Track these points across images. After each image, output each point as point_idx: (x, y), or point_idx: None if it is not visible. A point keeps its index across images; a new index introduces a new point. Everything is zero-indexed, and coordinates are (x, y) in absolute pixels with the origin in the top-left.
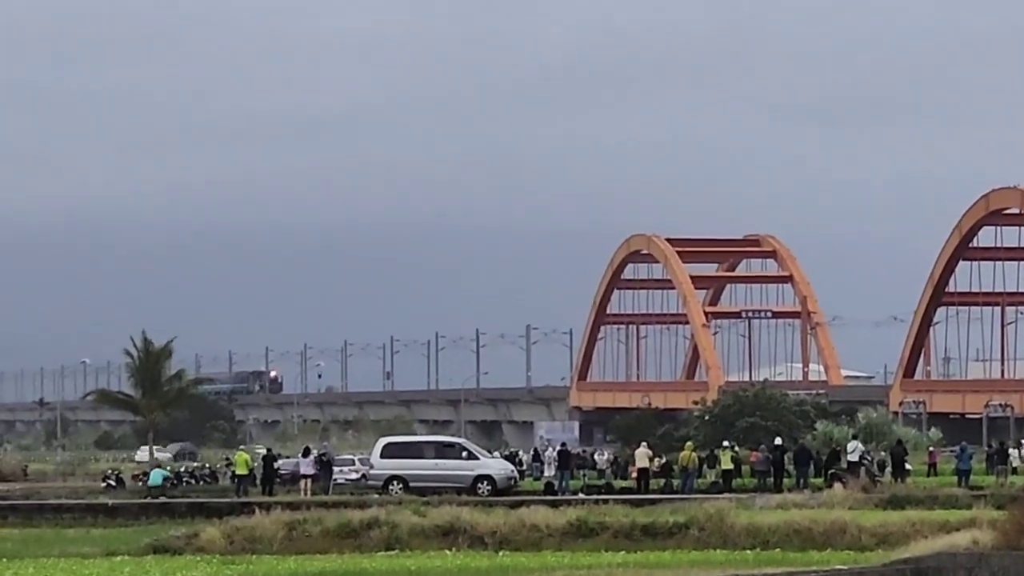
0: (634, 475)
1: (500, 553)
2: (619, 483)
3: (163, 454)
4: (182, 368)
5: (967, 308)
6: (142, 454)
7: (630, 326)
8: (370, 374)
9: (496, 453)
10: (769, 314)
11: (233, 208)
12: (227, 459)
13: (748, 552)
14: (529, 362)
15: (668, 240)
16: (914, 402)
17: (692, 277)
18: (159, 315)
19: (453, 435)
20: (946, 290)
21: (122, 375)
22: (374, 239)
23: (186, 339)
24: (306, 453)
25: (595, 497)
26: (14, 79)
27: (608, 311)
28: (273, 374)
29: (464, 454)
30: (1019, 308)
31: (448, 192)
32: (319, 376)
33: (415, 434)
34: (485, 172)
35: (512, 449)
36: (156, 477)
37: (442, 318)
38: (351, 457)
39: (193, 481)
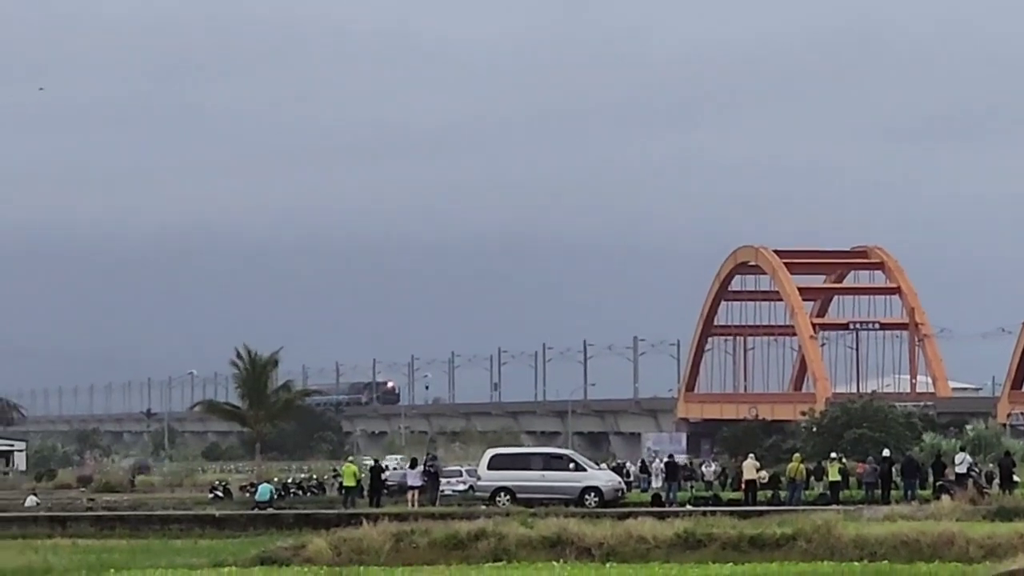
0: (742, 487)
1: (607, 565)
2: (726, 494)
3: (392, 460)
4: (290, 379)
5: None
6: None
7: (737, 338)
8: (477, 385)
9: (603, 465)
10: (877, 326)
11: (341, 221)
12: (334, 470)
13: (856, 564)
14: (636, 373)
15: (776, 252)
16: (1022, 414)
17: (800, 289)
18: (267, 327)
19: (560, 446)
20: None
21: (229, 386)
22: (481, 251)
23: (294, 350)
24: (413, 464)
25: (702, 509)
26: (115, 95)
27: (715, 323)
28: (390, 384)
29: (571, 466)
30: None
31: (555, 205)
32: (426, 387)
33: (522, 445)
34: (593, 186)
35: (619, 460)
36: (264, 492)
37: (549, 329)
38: (458, 468)
39: (300, 492)
